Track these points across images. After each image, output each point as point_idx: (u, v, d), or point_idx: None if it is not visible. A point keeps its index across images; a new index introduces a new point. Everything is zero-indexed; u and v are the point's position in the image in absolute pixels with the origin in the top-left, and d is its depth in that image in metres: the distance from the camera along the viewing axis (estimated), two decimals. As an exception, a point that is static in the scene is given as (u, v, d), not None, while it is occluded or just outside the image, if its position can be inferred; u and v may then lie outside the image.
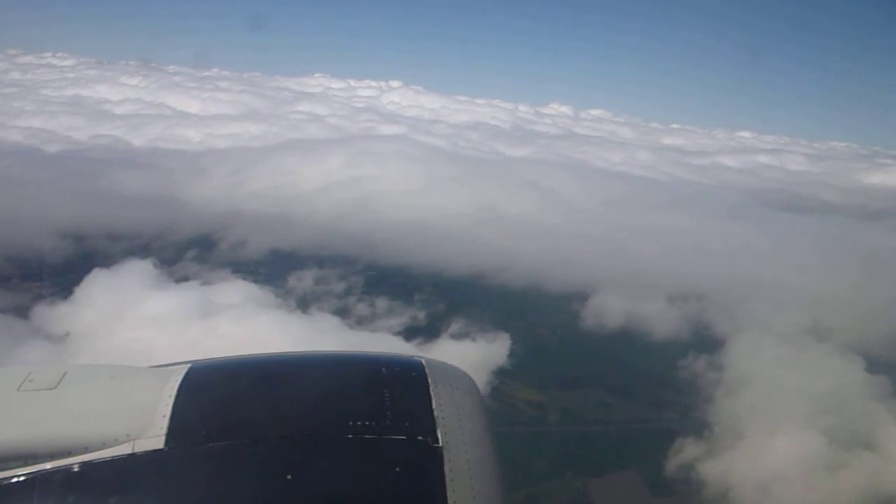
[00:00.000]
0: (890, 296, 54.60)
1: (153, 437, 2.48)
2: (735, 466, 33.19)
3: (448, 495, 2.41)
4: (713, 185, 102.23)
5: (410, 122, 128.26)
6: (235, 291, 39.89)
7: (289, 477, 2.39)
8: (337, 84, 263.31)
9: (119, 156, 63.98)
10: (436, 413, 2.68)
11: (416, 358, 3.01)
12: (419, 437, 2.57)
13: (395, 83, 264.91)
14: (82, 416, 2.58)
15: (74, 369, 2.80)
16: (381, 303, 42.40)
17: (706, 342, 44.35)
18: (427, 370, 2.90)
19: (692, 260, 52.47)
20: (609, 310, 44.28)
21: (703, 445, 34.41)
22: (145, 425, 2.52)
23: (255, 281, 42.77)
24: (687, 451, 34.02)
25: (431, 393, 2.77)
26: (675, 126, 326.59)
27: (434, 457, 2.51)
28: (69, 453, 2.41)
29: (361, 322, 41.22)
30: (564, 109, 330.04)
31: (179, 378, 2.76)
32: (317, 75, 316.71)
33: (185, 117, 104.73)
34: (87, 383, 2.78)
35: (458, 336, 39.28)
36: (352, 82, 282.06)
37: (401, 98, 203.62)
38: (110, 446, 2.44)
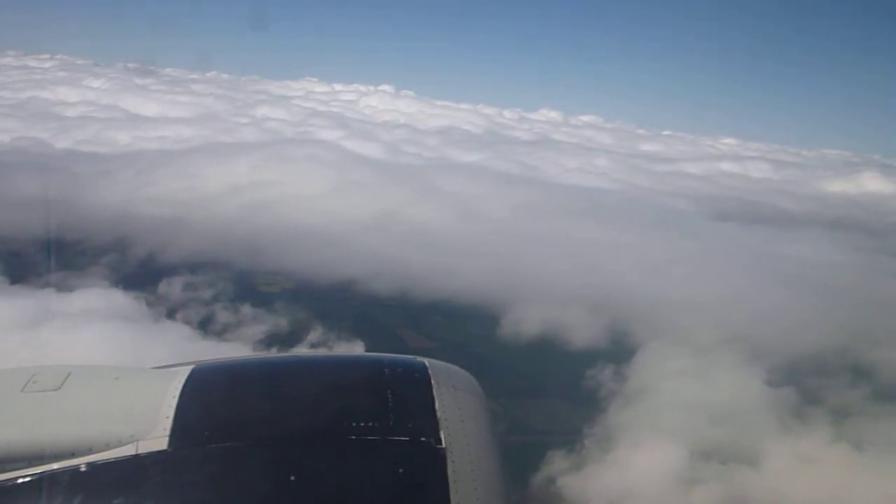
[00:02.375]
0: (800, 308, 54.23)
1: (157, 438, 2.49)
2: (594, 480, 32.49)
3: (451, 496, 2.42)
4: (664, 192, 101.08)
5: (367, 126, 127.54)
6: (95, 298, 39.17)
7: (292, 478, 2.39)
8: (321, 88, 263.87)
9: (31, 158, 63.03)
10: (439, 414, 2.68)
11: (419, 359, 3.01)
12: (422, 439, 2.58)
13: (385, 87, 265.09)
14: (86, 417, 2.58)
15: (78, 370, 2.78)
16: (246, 310, 41.50)
17: (614, 352, 43.73)
18: (430, 371, 2.91)
19: (591, 269, 51.49)
20: (489, 317, 43.47)
21: (573, 458, 33.72)
22: (149, 426, 2.52)
23: (125, 287, 42.04)
24: (555, 463, 33.29)
25: (434, 394, 2.78)
26: (666, 132, 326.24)
27: (437, 458, 2.52)
28: (73, 454, 2.41)
29: (225, 330, 40.46)
30: (553, 115, 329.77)
31: (183, 379, 2.76)
32: (307, 79, 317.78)
33: (133, 120, 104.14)
34: (91, 384, 2.77)
35: (316, 345, 38.60)
36: (338, 86, 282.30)
37: (378, 102, 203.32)
38: (114, 447, 2.45)
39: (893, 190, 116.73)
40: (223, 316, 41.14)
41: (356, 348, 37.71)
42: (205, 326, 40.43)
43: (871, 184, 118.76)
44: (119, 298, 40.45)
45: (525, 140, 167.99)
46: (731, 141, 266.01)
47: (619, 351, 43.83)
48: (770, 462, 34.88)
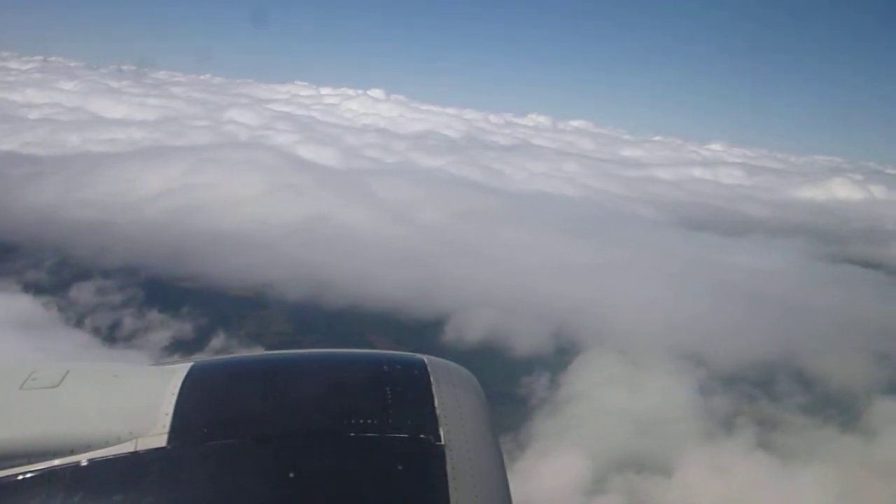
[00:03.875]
0: (741, 317, 54.05)
1: (156, 436, 2.48)
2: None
3: (450, 494, 2.41)
4: (629, 198, 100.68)
5: (336, 130, 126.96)
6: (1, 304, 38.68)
7: (291, 475, 2.39)
8: (307, 92, 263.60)
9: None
10: (438, 411, 2.67)
11: (418, 356, 3.00)
12: (421, 436, 2.56)
13: (375, 91, 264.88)
14: (85, 414, 2.55)
15: (77, 368, 2.77)
16: (153, 315, 40.87)
17: (549, 360, 43.36)
18: (429, 368, 2.89)
19: (520, 275, 50.99)
20: (407, 323, 42.93)
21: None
22: (148, 423, 2.51)
23: (36, 292, 41.45)
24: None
25: (433, 391, 2.76)
26: (657, 138, 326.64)
27: (436, 455, 2.51)
28: (72, 451, 2.40)
29: (132, 336, 39.93)
30: (542, 120, 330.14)
31: (182, 376, 2.75)
32: (295, 82, 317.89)
33: (96, 122, 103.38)
34: (90, 381, 2.74)
35: (220, 351, 38.11)
36: (326, 90, 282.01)
37: (358, 106, 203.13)
38: (113, 444, 2.44)
39: (862, 196, 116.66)
40: (129, 322, 40.54)
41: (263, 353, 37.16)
42: (111, 332, 40.02)
43: (841, 190, 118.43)
44: (25, 304, 39.95)
45: (502, 145, 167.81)
46: (717, 146, 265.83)
47: (554, 359, 43.46)
48: (684, 472, 34.51)
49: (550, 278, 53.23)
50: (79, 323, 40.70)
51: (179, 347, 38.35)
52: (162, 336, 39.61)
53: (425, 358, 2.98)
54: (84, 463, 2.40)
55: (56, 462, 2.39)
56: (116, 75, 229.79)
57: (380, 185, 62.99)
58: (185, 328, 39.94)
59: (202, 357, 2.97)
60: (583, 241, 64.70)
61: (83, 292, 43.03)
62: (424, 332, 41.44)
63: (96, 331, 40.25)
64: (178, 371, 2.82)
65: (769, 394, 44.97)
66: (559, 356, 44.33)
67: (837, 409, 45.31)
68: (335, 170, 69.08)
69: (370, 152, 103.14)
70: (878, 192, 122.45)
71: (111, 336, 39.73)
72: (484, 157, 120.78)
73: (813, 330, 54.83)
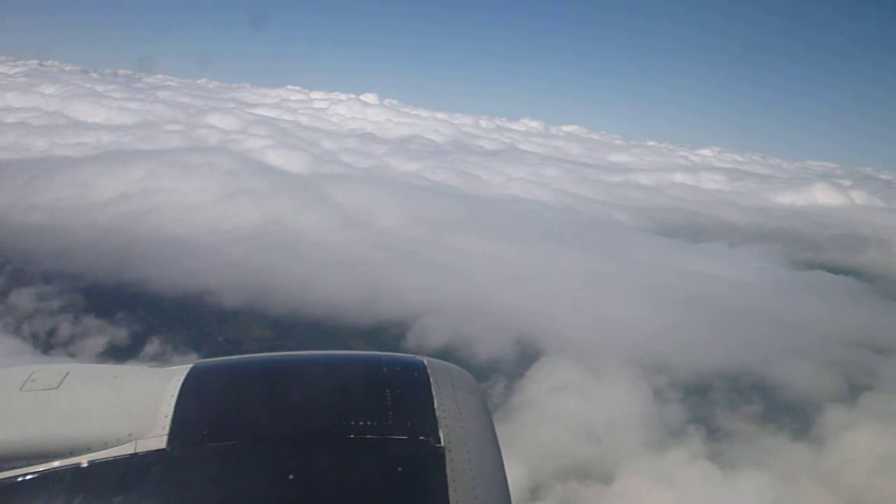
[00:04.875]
0: (704, 324, 53.84)
1: (155, 437, 2.50)
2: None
3: (450, 496, 2.42)
4: (606, 203, 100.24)
5: (316, 135, 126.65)
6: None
7: (290, 477, 2.40)
8: (297, 96, 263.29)
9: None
10: (438, 413, 2.68)
11: (418, 358, 3.00)
12: (421, 437, 2.58)
13: (369, 96, 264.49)
14: (84, 416, 2.57)
15: (77, 369, 2.78)
16: (90, 321, 40.53)
17: (503, 368, 42.97)
18: (429, 370, 2.90)
19: (477, 280, 50.68)
20: (352, 328, 42.59)
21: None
22: (148, 425, 2.53)
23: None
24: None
25: (433, 393, 2.78)
26: (650, 143, 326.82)
27: (436, 457, 2.52)
28: (71, 453, 2.42)
29: (69, 342, 39.62)
30: (534, 124, 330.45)
31: (182, 378, 2.76)
32: (288, 87, 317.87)
33: (73, 126, 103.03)
34: (90, 383, 2.76)
35: (154, 357, 37.81)
36: (318, 94, 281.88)
37: (346, 111, 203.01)
38: (112, 446, 2.46)
39: (842, 202, 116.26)
40: (66, 328, 40.18)
41: (189, 360, 36.86)
42: (48, 338, 39.72)
43: (821, 196, 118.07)
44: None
45: (488, 150, 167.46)
46: (707, 152, 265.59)
47: (509, 367, 43.01)
48: (625, 480, 34.23)
49: (507, 285, 52.92)
50: (16, 330, 40.44)
51: (114, 353, 38.09)
52: (98, 342, 39.30)
53: (425, 360, 3.00)
54: (84, 464, 2.42)
55: (56, 463, 2.41)
56: (104, 80, 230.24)
57: (342, 191, 62.64)
58: (121, 334, 39.63)
59: (203, 360, 2.99)
60: (546, 247, 64.36)
61: (23, 298, 42.67)
62: (365, 337, 41.06)
63: (34, 337, 40.00)
64: (177, 373, 2.83)
65: (724, 402, 44.80)
66: (515, 364, 43.96)
67: (790, 417, 45.19)
68: (298, 175, 68.69)
69: (346, 157, 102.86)
70: (859, 197, 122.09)
71: (47, 342, 39.48)
72: (464, 161, 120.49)
73: (774, 337, 54.62)
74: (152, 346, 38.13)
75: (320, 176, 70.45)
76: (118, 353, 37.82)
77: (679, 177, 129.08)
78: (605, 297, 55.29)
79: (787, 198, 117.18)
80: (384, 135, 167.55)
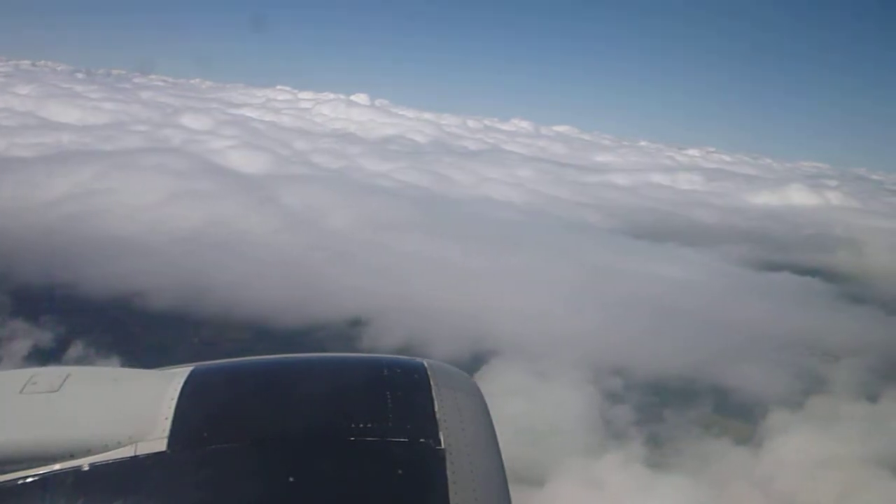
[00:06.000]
0: (653, 328, 53.65)
1: (155, 440, 2.50)
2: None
3: (451, 498, 2.42)
4: (578, 204, 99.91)
5: (292, 134, 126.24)
6: None
7: (291, 479, 2.39)
8: (284, 96, 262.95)
9: None
10: (438, 415, 2.69)
11: (418, 360, 3.01)
12: (421, 440, 2.58)
13: (359, 96, 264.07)
14: (85, 419, 2.57)
15: (77, 372, 2.78)
16: (17, 325, 39.95)
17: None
18: (429, 372, 2.90)
19: (422, 283, 50.29)
20: (280, 328, 42.15)
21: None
22: (148, 428, 2.53)
23: None
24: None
25: (433, 395, 2.77)
26: (643, 143, 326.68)
27: (436, 459, 2.53)
28: (72, 456, 2.42)
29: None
30: (524, 125, 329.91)
31: (182, 380, 2.76)
32: (278, 87, 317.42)
33: (43, 127, 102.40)
34: (90, 386, 2.76)
35: (79, 360, 37.36)
36: (307, 94, 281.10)
37: (330, 111, 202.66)
38: (112, 449, 2.45)
39: (817, 203, 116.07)
40: (-8, 331, 39.83)
41: (111, 364, 36.46)
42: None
43: (797, 196, 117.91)
44: None
45: (470, 150, 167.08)
46: (694, 152, 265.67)
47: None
48: (556, 484, 34.01)
49: (454, 287, 52.44)
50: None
51: (38, 356, 37.54)
52: (23, 345, 38.84)
53: (425, 361, 3.00)
54: (84, 468, 2.41)
55: (56, 467, 2.40)
56: (90, 80, 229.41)
57: (295, 192, 62.19)
58: (46, 337, 39.14)
59: (204, 362, 2.96)
60: (503, 249, 63.89)
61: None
62: (296, 339, 40.64)
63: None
64: (178, 375, 2.81)
65: (670, 406, 44.59)
66: (460, 368, 43.41)
67: (736, 421, 45.16)
68: (253, 176, 68.12)
69: (317, 158, 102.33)
70: (835, 198, 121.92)
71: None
72: (439, 162, 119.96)
73: (728, 340, 54.35)
74: (76, 349, 37.66)
75: (278, 177, 69.91)
76: (42, 357, 37.31)
77: (656, 177, 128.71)
78: (557, 300, 54.93)
79: (761, 198, 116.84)
80: (366, 135, 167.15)
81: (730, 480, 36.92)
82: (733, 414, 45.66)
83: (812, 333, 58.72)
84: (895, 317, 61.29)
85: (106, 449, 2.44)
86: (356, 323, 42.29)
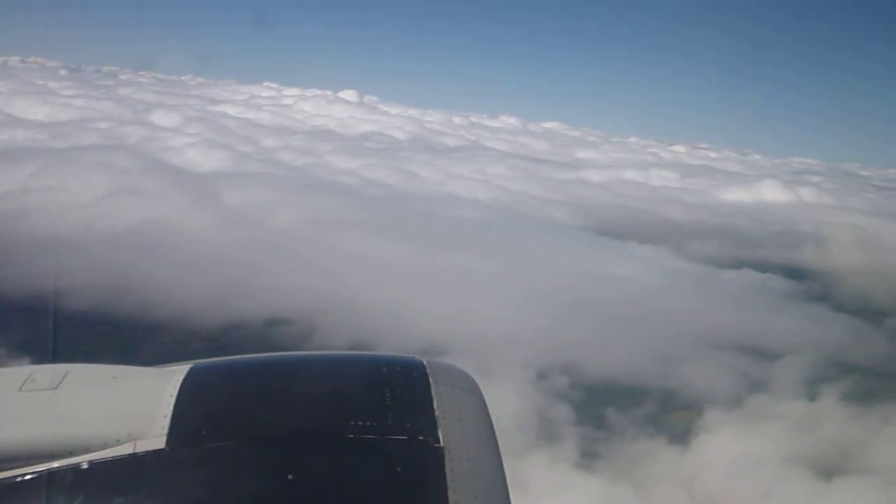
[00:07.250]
0: (602, 328, 53.36)
1: (154, 438, 2.49)
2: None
3: (449, 496, 2.41)
4: (547, 201, 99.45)
5: (263, 131, 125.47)
6: None
7: (289, 477, 2.40)
8: (268, 93, 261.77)
9: None
10: (437, 413, 2.68)
11: (417, 358, 3.01)
12: (420, 438, 2.59)
13: (348, 93, 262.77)
14: (83, 417, 2.57)
15: (76, 370, 2.77)
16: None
17: None
18: (428, 370, 2.91)
19: (362, 282, 49.60)
20: (205, 328, 41.45)
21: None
22: (147, 425, 2.52)
23: None
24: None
25: (433, 393, 2.77)
26: (633, 139, 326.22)
27: (435, 457, 2.52)
28: (70, 453, 2.42)
29: None
30: (512, 121, 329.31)
31: (181, 378, 2.75)
32: (265, 84, 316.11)
33: (10, 124, 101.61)
34: (89, 384, 2.75)
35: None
36: (290, 91, 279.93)
37: (311, 107, 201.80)
38: (111, 446, 2.45)
39: (789, 199, 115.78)
40: None
41: (30, 363, 35.72)
42: None
43: (769, 192, 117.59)
44: None
45: (450, 146, 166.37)
46: (680, 148, 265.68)
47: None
48: None
49: (396, 286, 51.80)
50: None
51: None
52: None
53: (424, 359, 2.99)
54: (83, 465, 2.40)
55: (55, 464, 2.39)
56: (72, 76, 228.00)
57: (243, 190, 61.45)
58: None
59: (202, 360, 2.91)
60: (455, 247, 63.26)
61: None
62: (213, 337, 40.03)
63: None
64: (177, 373, 2.80)
65: (609, 406, 44.26)
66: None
67: (673, 420, 44.97)
68: (202, 174, 67.30)
69: (283, 155, 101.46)
70: (808, 194, 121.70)
71: None
72: (411, 159, 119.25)
73: (677, 340, 53.99)
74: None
75: (230, 175, 69.13)
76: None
77: (630, 174, 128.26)
78: (508, 299, 54.34)
79: (734, 195, 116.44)
80: (345, 131, 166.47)
81: (654, 480, 36.82)
82: (672, 413, 45.42)
83: (763, 331, 58.41)
84: (845, 314, 61.05)
85: (105, 447, 2.44)
86: (278, 322, 41.58)
